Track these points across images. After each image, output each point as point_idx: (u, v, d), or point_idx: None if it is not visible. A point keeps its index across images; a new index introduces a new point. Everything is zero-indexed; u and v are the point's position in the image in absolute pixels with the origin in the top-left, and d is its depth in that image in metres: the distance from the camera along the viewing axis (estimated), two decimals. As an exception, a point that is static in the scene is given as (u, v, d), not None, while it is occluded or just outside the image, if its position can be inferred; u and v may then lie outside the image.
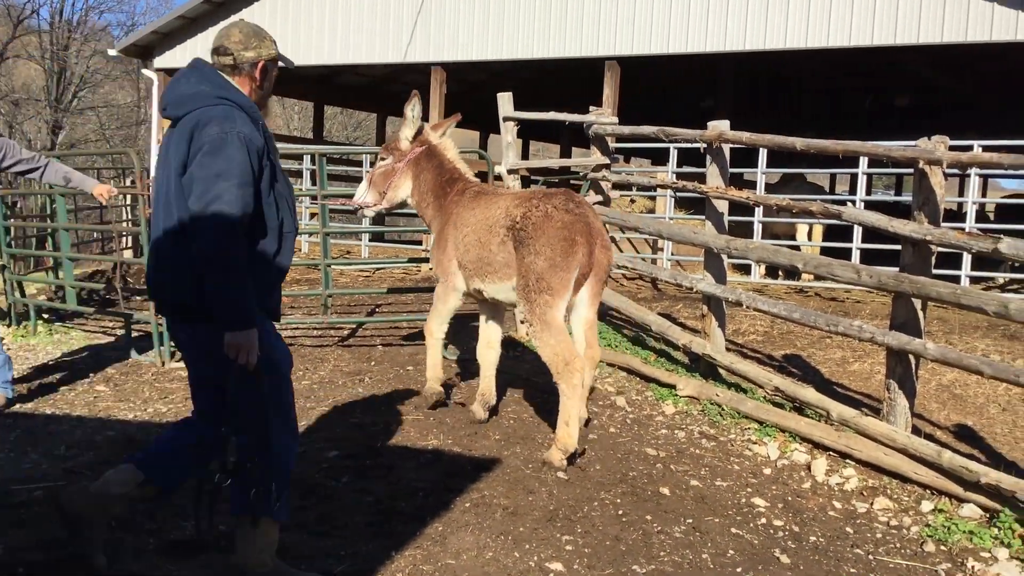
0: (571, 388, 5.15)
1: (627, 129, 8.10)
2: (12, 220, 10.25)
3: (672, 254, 12.41)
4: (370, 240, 14.98)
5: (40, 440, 5.46)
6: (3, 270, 9.07)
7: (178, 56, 16.90)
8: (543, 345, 5.26)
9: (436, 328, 6.14)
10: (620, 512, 4.65)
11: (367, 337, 8.80)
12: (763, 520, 4.77)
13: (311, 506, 4.49)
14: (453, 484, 4.86)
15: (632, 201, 14.89)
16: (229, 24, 3.69)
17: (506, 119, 8.50)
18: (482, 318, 6.17)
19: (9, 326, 8.96)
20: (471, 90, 19.03)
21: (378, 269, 13.48)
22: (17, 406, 6.31)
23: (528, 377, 6.96)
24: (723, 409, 6.45)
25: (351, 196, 6.53)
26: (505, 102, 8.34)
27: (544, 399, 6.35)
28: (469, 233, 5.74)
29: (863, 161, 10.72)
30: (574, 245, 5.22)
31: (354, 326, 9.09)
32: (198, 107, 3.38)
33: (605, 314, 8.63)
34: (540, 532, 4.33)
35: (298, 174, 16.96)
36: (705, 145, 6.97)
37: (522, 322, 5.75)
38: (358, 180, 17.52)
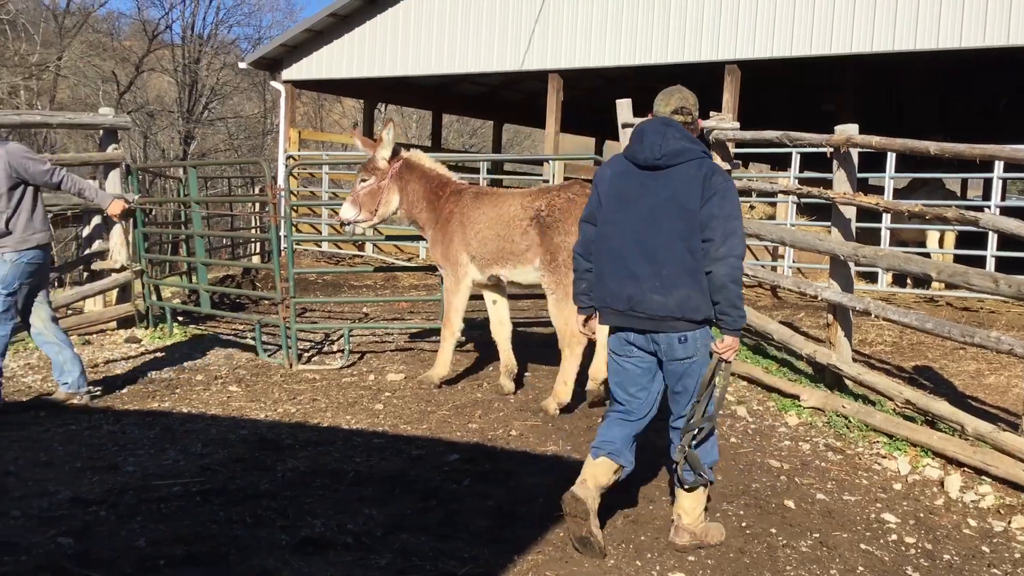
0: (574, 356, 6.28)
1: (749, 134, 7.97)
2: (149, 227, 10.75)
3: (793, 261, 12.13)
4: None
5: (178, 438, 5.70)
6: (141, 275, 9.51)
7: (304, 68, 17.44)
8: (558, 315, 6.30)
9: (457, 321, 6.87)
10: (743, 524, 4.57)
11: (488, 341, 8.87)
12: (894, 537, 4.61)
13: (433, 508, 4.56)
14: (573, 490, 4.86)
15: (751, 207, 14.61)
16: (680, 88, 4.32)
17: (625, 125, 8.46)
18: (489, 301, 7.03)
19: (146, 328, 9.39)
20: (585, 96, 19.03)
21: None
22: (156, 404, 6.62)
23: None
24: (850, 421, 6.26)
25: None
26: (624, 109, 8.32)
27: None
28: (484, 228, 6.57)
29: (998, 165, 10.27)
30: None
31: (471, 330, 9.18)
32: (693, 159, 4.06)
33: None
34: (662, 541, 4.29)
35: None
36: (832, 150, 6.79)
37: (549, 294, 6.46)
38: (475, 187, 17.74)
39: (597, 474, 4.16)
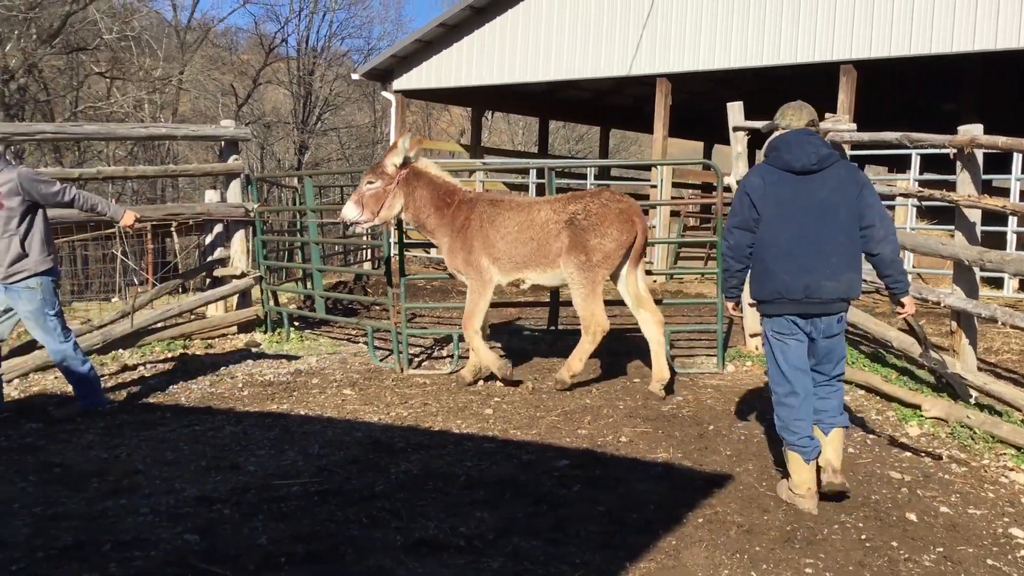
0: (592, 342, 6.99)
1: (867, 136, 7.75)
2: (267, 235, 11.10)
3: (912, 266, 11.72)
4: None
5: (296, 439, 5.87)
6: (260, 281, 9.83)
7: (413, 78, 17.75)
8: (586, 307, 6.91)
9: (478, 323, 7.24)
10: (863, 537, 4.44)
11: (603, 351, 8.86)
12: (1022, 552, 4.41)
13: (543, 513, 4.57)
14: (684, 498, 4.82)
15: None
16: (804, 103, 4.95)
17: (736, 129, 8.34)
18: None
19: (265, 332, 9.70)
20: (692, 100, 18.82)
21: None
22: (274, 406, 6.82)
23: (760, 395, 6.79)
24: (975, 432, 6.02)
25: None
26: (736, 111, 8.20)
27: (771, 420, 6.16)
28: (512, 233, 7.02)
29: None
30: (633, 226, 6.94)
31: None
32: (837, 161, 4.75)
33: (840, 329, 8.26)
34: (777, 553, 4.21)
35: (523, 187, 17.35)
36: (955, 151, 6.55)
37: (572, 289, 7.02)
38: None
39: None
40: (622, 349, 8.73)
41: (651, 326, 7.18)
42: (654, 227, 15.05)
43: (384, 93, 18.62)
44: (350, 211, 7.15)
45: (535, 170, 15.75)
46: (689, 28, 14.55)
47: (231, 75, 39.70)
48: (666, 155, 15.54)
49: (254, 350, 8.99)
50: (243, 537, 4.15)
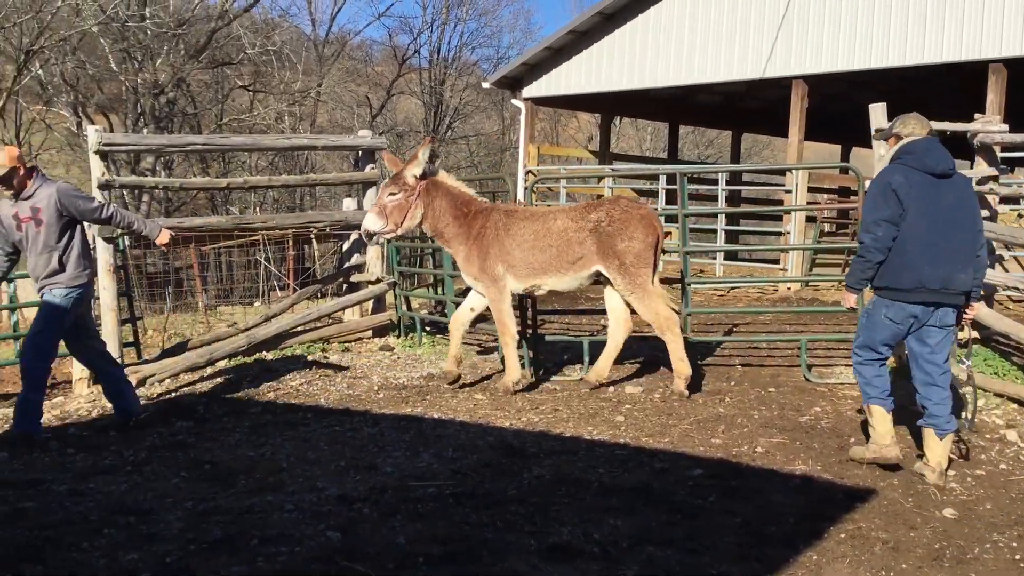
0: (675, 336, 7.14)
1: (1020, 137, 7.36)
2: (400, 241, 11.34)
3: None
4: (724, 259, 14.85)
5: (430, 442, 5.98)
6: (394, 286, 10.06)
7: (543, 85, 17.84)
8: (647, 309, 7.13)
9: (512, 326, 7.45)
10: (1017, 557, 4.22)
11: (725, 356, 8.73)
12: None
13: (678, 522, 4.52)
14: (825, 512, 4.68)
15: (1020, 216, 13.47)
16: (919, 115, 5.44)
17: (877, 131, 8.03)
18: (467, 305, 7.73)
19: (398, 337, 9.92)
20: (827, 102, 18.27)
21: (732, 288, 13.35)
22: (409, 409, 6.97)
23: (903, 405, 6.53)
24: None
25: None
26: (879, 114, 7.91)
27: (917, 434, 5.92)
28: (530, 242, 7.25)
29: None
30: (655, 230, 7.20)
31: (712, 345, 9.04)
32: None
33: (990, 339, 7.88)
34: (925, 571, 4.03)
35: (652, 193, 17.22)
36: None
37: (626, 295, 7.23)
38: (713, 199, 17.45)
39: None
40: (754, 360, 8.56)
41: (619, 330, 7.50)
42: (789, 232, 14.69)
43: (514, 101, 18.78)
44: (373, 222, 7.29)
45: (664, 176, 15.59)
46: (827, 28, 14.14)
47: (366, 86, 40.84)
48: (801, 159, 15.13)
49: (388, 354, 9.20)
50: (382, 536, 4.25)
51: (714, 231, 16.04)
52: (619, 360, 8.49)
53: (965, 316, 5.36)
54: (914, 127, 5.37)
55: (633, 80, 16.73)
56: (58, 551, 4.05)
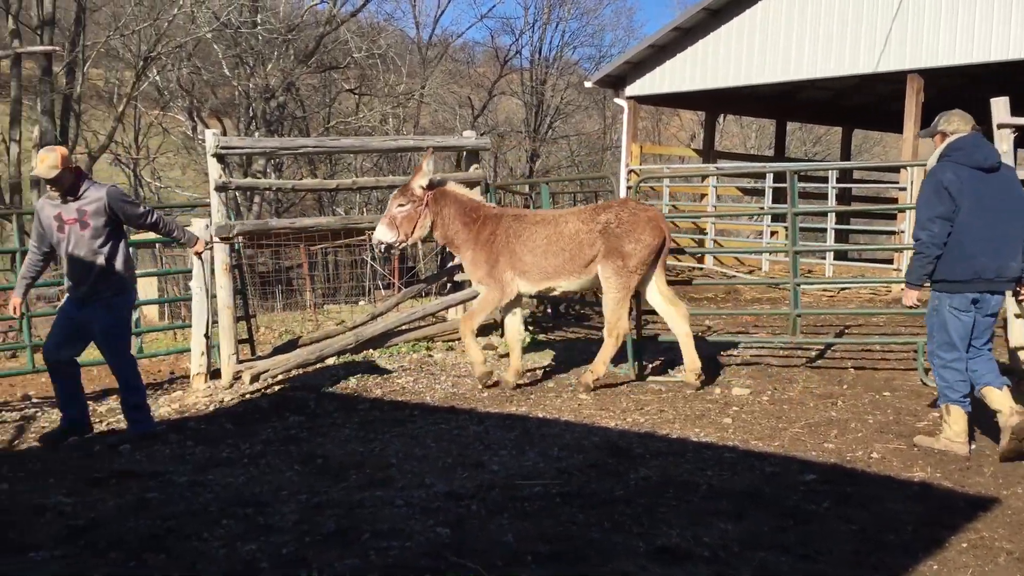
0: (613, 344, 7.41)
1: None
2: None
3: None
4: (834, 259, 14.47)
5: (536, 441, 5.99)
6: (498, 285, 10.11)
7: (646, 84, 17.69)
8: (615, 312, 7.32)
9: (477, 324, 7.75)
10: None
11: (836, 359, 8.51)
12: None
13: (790, 528, 4.42)
14: (945, 520, 4.51)
15: None
16: (965, 112, 5.69)
17: (1001, 126, 7.70)
18: (509, 312, 7.83)
19: (501, 336, 9.95)
20: (942, 97, 17.59)
21: (843, 289, 12.99)
22: (513, 408, 7.00)
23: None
24: None
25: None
26: (1001, 108, 7.57)
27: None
28: (542, 246, 7.41)
29: None
30: (661, 231, 7.40)
31: (822, 347, 8.82)
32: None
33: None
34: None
35: (758, 192, 16.90)
36: None
37: (613, 291, 7.38)
38: (822, 197, 17.02)
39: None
40: (868, 363, 8.32)
41: (679, 320, 7.59)
42: (902, 231, 14.21)
43: (616, 99, 18.67)
44: (384, 233, 7.43)
45: (771, 174, 15.27)
46: (944, 20, 13.62)
47: (468, 88, 41.21)
48: (916, 156, 14.62)
49: (490, 353, 9.26)
50: (490, 533, 4.28)
51: (824, 230, 15.64)
52: (728, 361, 8.39)
53: (1021, 297, 5.96)
54: (959, 124, 5.62)
55: (739, 77, 16.44)
56: (180, 541, 4.20)
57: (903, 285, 5.85)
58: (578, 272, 7.47)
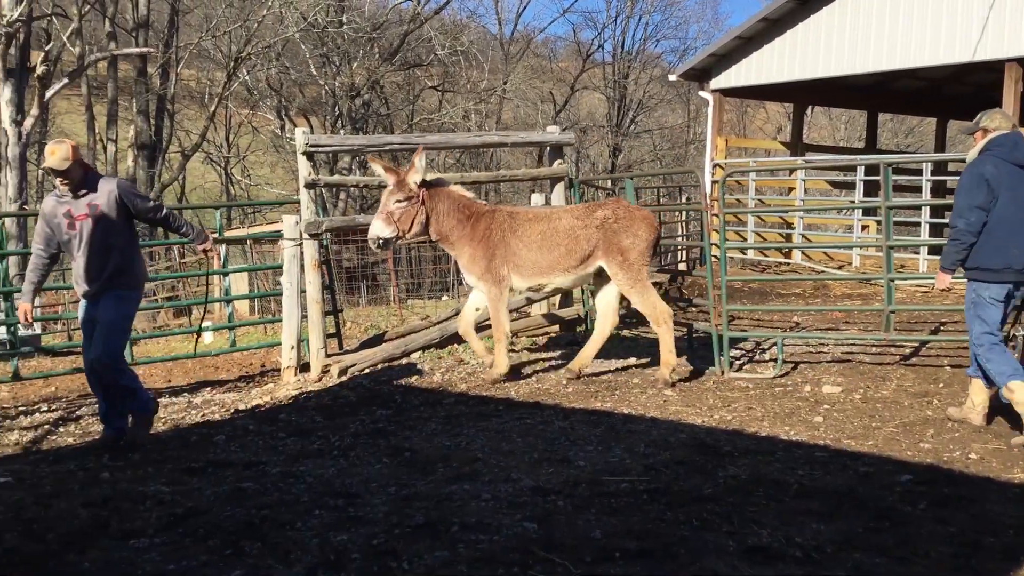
0: (668, 330, 7.49)
1: None
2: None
3: None
4: (928, 254, 14.07)
5: (621, 437, 5.96)
6: (581, 281, 10.09)
7: (733, 76, 17.43)
8: (644, 302, 7.52)
9: (507, 325, 7.83)
10: None
11: (932, 356, 8.27)
12: None
13: (886, 529, 4.31)
14: (1050, 525, 4.35)
15: None
16: (1004, 110, 6.25)
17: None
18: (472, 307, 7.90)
19: (585, 331, 9.94)
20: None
21: (938, 284, 12.60)
22: (598, 404, 6.98)
23: None
24: None
25: None
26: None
27: None
28: (537, 242, 7.50)
29: None
30: (655, 229, 7.62)
31: (917, 344, 8.58)
32: None
33: None
34: None
35: (848, 185, 16.52)
36: None
37: (625, 290, 7.59)
38: (916, 189, 16.55)
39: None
40: (965, 361, 8.04)
41: (607, 326, 7.86)
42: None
43: (701, 92, 18.43)
44: (381, 229, 7.31)
45: (862, 167, 14.89)
46: (1047, 4, 13.10)
47: (550, 83, 41.21)
48: (1015, 147, 14.09)
49: (575, 348, 9.24)
50: (577, 529, 4.28)
51: (918, 224, 15.20)
52: (818, 359, 8.24)
53: None
54: (1000, 122, 5.94)
55: (829, 67, 16.07)
56: (275, 529, 4.31)
57: (937, 269, 6.24)
58: (572, 268, 7.59)
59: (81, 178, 5.99)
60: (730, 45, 17.25)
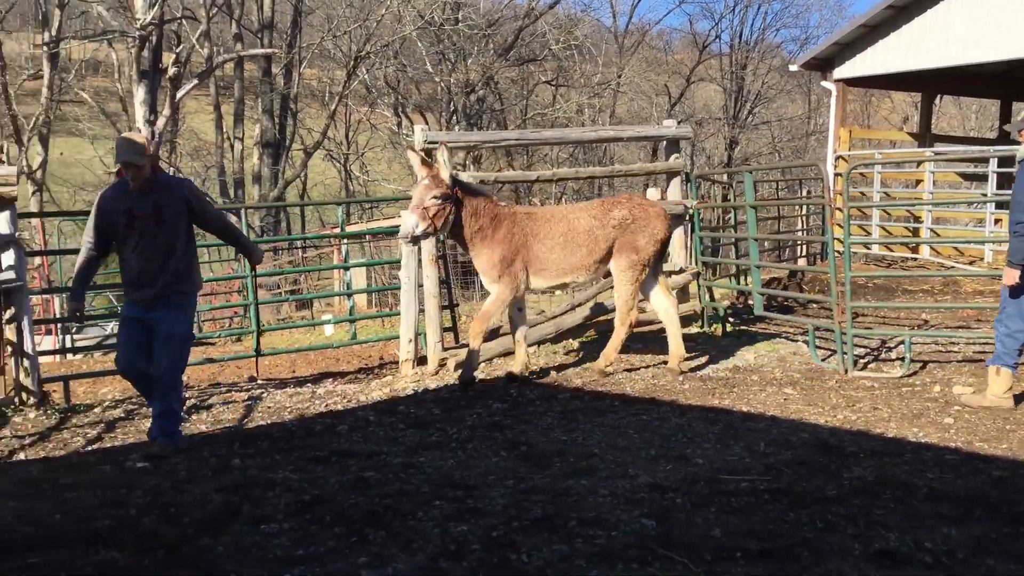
0: (627, 333, 7.81)
1: None
2: (703, 231, 11.21)
3: None
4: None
5: (740, 435, 5.87)
6: (697, 276, 9.97)
7: (857, 65, 16.91)
8: (628, 302, 7.69)
9: (489, 327, 7.91)
10: None
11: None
12: None
13: (1021, 535, 4.11)
14: None
15: None
16: None
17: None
18: (514, 308, 7.94)
19: (701, 327, 9.82)
20: None
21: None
22: (716, 401, 6.88)
23: None
24: None
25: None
26: None
27: None
28: (556, 245, 7.51)
29: None
30: (668, 226, 7.85)
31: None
32: None
33: None
34: None
35: (980, 178, 15.80)
36: None
37: (619, 285, 7.75)
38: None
39: None
40: None
41: (672, 311, 7.99)
42: None
43: (823, 83, 17.92)
44: (412, 222, 7.06)
45: (996, 158, 14.21)
46: None
47: (665, 75, 40.76)
48: None
49: (691, 344, 9.14)
50: (696, 527, 4.23)
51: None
52: (948, 358, 7.96)
53: None
54: None
55: (959, 55, 15.40)
56: (397, 519, 4.40)
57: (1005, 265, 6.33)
58: (593, 267, 7.67)
59: (151, 175, 5.72)
60: (854, 33, 16.72)
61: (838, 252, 8.40)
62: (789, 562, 3.82)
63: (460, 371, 7.81)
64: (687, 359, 8.08)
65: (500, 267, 7.47)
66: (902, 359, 7.78)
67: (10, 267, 7.36)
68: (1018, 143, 6.59)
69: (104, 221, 5.74)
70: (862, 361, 8.19)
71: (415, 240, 7.33)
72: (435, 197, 7.10)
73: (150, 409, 7.20)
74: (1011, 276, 6.24)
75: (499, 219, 7.49)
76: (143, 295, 5.77)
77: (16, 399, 7.51)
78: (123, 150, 5.61)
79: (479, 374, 8.09)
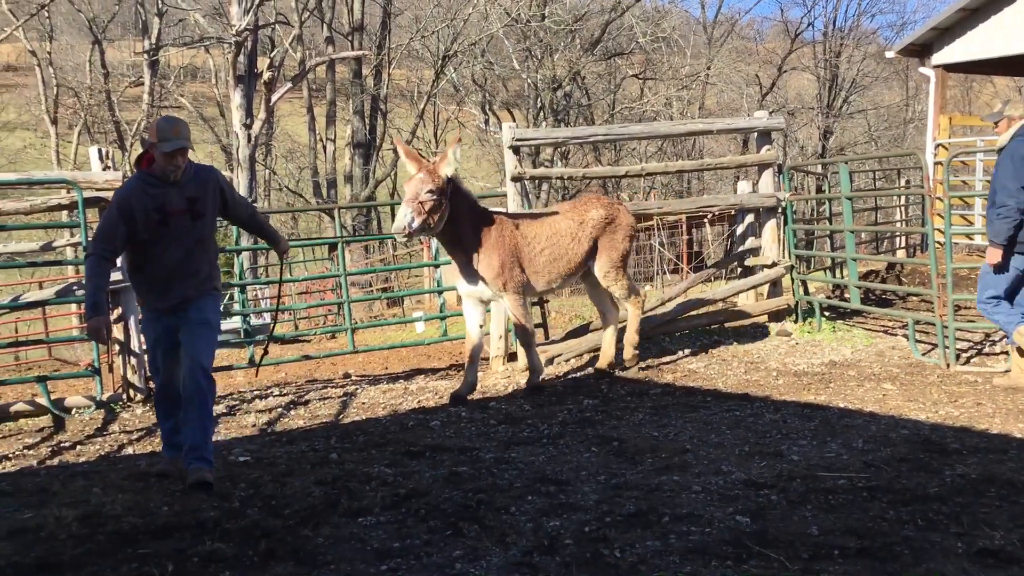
0: (637, 308, 7.98)
1: None
2: (797, 224, 11.00)
3: None
4: None
5: (837, 431, 5.76)
6: (791, 270, 9.79)
7: (957, 50, 16.34)
8: (622, 287, 7.83)
9: (529, 323, 7.58)
10: None
11: None
12: None
13: None
14: None
15: None
16: None
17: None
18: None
19: (796, 322, 9.65)
20: None
21: None
22: (811, 397, 6.76)
23: None
24: None
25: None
26: None
27: None
28: (548, 249, 7.45)
29: None
30: (635, 226, 8.03)
31: None
32: None
33: None
34: None
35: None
36: None
37: (611, 284, 7.84)
38: None
39: None
40: None
41: (612, 314, 8.14)
42: None
43: (921, 69, 17.35)
44: (408, 216, 6.74)
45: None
46: None
47: (755, 65, 40.03)
48: None
49: (785, 340, 8.99)
50: (793, 524, 4.18)
51: None
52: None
53: None
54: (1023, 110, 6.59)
55: (1067, 36, 14.76)
56: (490, 513, 4.46)
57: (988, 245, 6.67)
58: (577, 269, 7.66)
59: (185, 166, 5.07)
60: (953, 18, 16.14)
61: (939, 243, 8.17)
62: (889, 561, 3.75)
63: (527, 379, 7.70)
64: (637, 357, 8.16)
65: (504, 274, 7.21)
66: (1007, 353, 7.51)
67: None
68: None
69: (130, 223, 4.97)
70: (964, 355, 7.95)
71: (410, 234, 6.95)
72: (430, 191, 6.84)
73: (251, 404, 7.39)
74: (994, 255, 6.69)
75: (491, 221, 7.34)
76: (173, 298, 5.16)
77: (124, 396, 7.85)
78: (177, 135, 4.94)
79: (567, 369, 8.11)
